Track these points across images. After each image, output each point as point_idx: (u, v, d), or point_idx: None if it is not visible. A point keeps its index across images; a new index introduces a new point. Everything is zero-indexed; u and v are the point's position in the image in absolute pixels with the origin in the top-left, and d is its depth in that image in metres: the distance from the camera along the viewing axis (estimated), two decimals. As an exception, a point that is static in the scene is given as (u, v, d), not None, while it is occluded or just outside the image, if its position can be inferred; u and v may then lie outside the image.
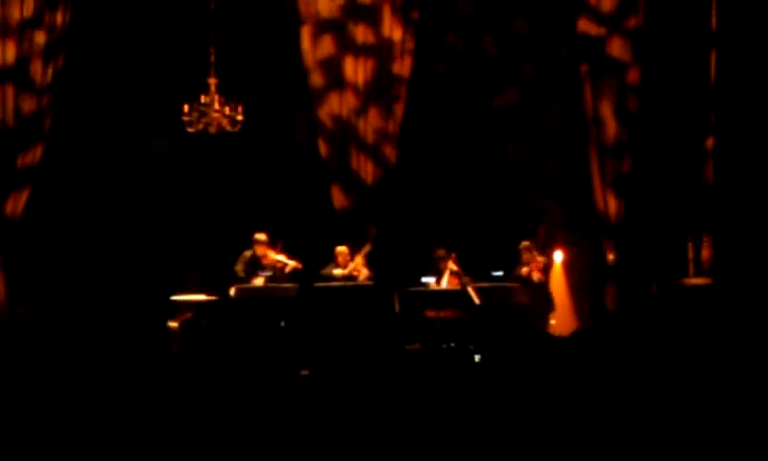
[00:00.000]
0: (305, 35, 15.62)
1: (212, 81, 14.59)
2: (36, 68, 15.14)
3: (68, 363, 4.83)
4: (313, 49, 15.62)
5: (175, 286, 14.15)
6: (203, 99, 14.49)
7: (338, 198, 15.74)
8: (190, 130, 14.53)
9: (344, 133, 15.69)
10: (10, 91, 15.12)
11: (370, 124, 15.68)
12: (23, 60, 15.09)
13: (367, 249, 14.98)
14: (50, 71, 15.19)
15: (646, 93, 15.27)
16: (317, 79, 15.66)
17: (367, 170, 15.72)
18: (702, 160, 15.06)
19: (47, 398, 4.58)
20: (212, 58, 14.66)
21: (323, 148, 15.70)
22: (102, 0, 15.75)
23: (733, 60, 14.84)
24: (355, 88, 15.64)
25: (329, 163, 15.73)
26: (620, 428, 3.79)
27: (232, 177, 16.33)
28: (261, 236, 14.66)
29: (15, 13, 15.06)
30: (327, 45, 15.63)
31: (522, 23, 15.88)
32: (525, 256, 14.94)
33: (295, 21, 15.65)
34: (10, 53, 15.07)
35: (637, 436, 3.71)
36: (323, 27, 15.59)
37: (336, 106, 15.69)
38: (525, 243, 15.07)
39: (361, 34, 15.60)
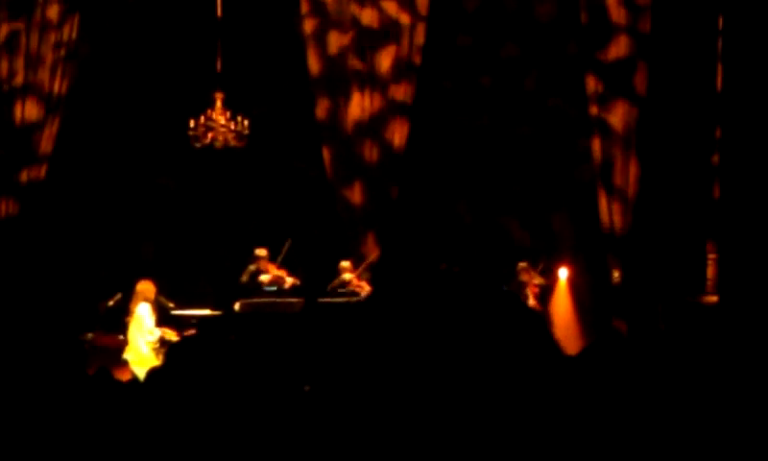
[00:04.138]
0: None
1: (218, 95, 14.56)
2: (43, 84, 15.09)
3: None
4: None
5: (179, 301, 14.09)
6: (209, 113, 14.48)
7: (342, 198, 15.69)
8: (196, 145, 14.49)
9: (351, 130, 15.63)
10: (18, 109, 15.07)
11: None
12: (30, 76, 15.03)
13: (369, 261, 14.93)
14: (56, 86, 15.12)
15: (652, 106, 15.22)
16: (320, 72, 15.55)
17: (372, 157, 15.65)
18: (709, 176, 15.00)
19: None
20: (218, 71, 14.65)
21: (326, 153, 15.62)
22: (109, 17, 15.77)
23: (740, 73, 14.80)
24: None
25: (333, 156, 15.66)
26: (625, 448, 3.77)
27: (238, 191, 16.30)
28: (262, 252, 14.57)
29: (21, 32, 14.98)
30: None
31: (513, 47, 15.92)
32: (523, 278, 14.12)
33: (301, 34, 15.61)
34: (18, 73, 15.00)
35: (642, 455, 3.69)
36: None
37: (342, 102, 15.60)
38: (523, 264, 14.35)
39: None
